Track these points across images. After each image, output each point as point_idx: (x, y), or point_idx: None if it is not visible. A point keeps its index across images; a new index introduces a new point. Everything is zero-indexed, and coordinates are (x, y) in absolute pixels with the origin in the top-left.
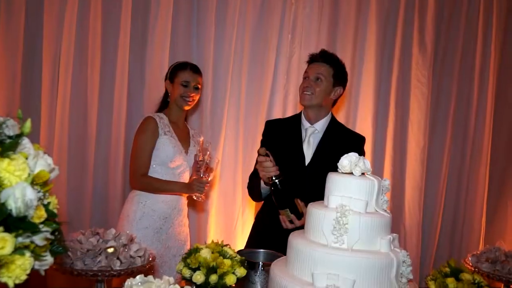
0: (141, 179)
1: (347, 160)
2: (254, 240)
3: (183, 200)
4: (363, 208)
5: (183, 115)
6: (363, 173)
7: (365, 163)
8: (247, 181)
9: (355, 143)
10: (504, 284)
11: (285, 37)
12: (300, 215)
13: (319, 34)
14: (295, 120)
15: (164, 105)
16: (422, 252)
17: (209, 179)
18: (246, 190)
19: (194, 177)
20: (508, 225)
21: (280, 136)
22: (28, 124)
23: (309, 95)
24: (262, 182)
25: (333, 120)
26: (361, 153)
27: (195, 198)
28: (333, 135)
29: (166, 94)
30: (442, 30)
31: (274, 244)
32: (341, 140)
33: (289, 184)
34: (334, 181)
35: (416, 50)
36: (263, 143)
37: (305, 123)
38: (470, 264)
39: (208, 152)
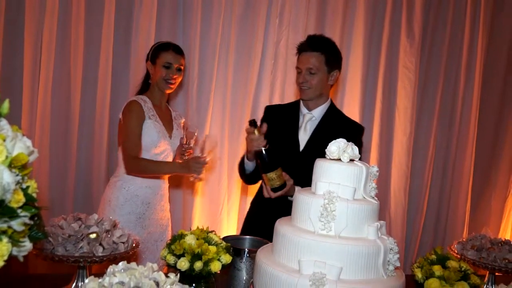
0: (136, 162)
1: (335, 146)
2: (249, 227)
3: (165, 184)
4: (351, 195)
5: (166, 97)
6: (351, 160)
7: (354, 149)
8: (233, 166)
9: (353, 132)
10: (489, 271)
11: (273, 22)
12: (283, 185)
13: (307, 19)
14: (294, 106)
15: (145, 87)
16: (406, 239)
17: (207, 160)
18: (232, 176)
19: (191, 157)
20: (492, 213)
21: (278, 121)
22: (6, 104)
23: (307, 90)
24: (245, 157)
25: (332, 107)
26: (359, 143)
27: (191, 179)
28: (330, 122)
29: (147, 76)
30: (430, 17)
31: (269, 232)
32: (338, 128)
33: (275, 153)
34: (321, 167)
35: (404, 37)
36: None
37: (303, 110)
38: (456, 252)
39: (194, 137)
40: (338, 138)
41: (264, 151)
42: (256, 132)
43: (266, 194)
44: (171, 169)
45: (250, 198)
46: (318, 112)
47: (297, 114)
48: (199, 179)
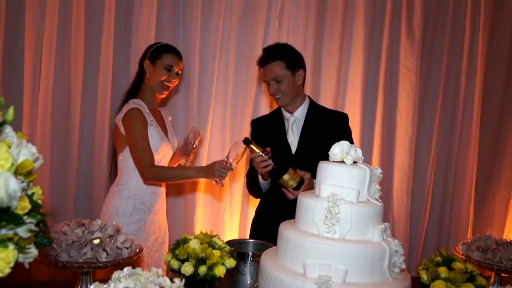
0: (152, 170)
1: (339, 149)
2: (255, 234)
3: (164, 188)
4: (355, 197)
5: (159, 100)
6: (354, 162)
7: (357, 151)
8: (234, 169)
9: (339, 122)
10: (495, 272)
11: (272, 24)
12: (301, 181)
13: (306, 22)
14: (277, 114)
15: (136, 89)
16: (410, 240)
17: (234, 165)
18: (234, 178)
19: (216, 161)
20: (495, 214)
21: (266, 131)
22: (10, 111)
23: (280, 97)
24: (260, 177)
25: (312, 104)
26: (347, 130)
27: (214, 183)
28: (314, 119)
29: (139, 76)
30: (430, 17)
31: (274, 236)
32: (324, 123)
33: (279, 156)
34: (325, 170)
35: (404, 38)
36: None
37: (285, 114)
38: (461, 253)
39: (199, 137)
40: (328, 132)
41: (271, 164)
42: (253, 147)
43: (291, 196)
44: (194, 174)
45: (252, 201)
46: (300, 112)
47: (282, 120)
48: (221, 184)
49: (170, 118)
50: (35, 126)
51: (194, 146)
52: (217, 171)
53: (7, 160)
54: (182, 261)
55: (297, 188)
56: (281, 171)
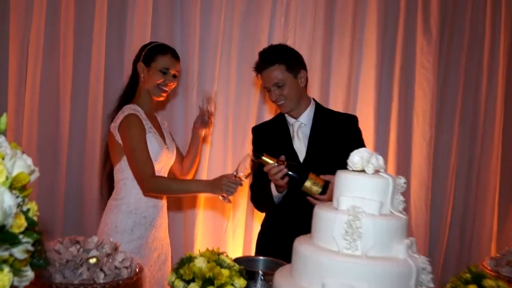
0: (153, 181)
1: (358, 157)
2: (262, 249)
3: (165, 201)
4: (377, 210)
5: (155, 104)
6: (376, 171)
7: (378, 159)
8: None
9: (348, 125)
10: None
11: (278, 21)
12: (326, 185)
13: (314, 18)
14: (280, 119)
15: (130, 94)
16: (429, 253)
17: (244, 180)
18: (238, 191)
19: (224, 175)
20: None
21: (268, 139)
22: (3, 119)
23: (284, 103)
24: (274, 190)
25: (318, 108)
26: (358, 133)
27: (221, 199)
28: (322, 123)
29: (133, 79)
30: (448, 13)
31: (283, 252)
32: (332, 126)
33: (294, 163)
34: (344, 180)
35: (420, 35)
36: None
37: (289, 119)
38: (489, 268)
39: (212, 102)
40: (337, 135)
41: (289, 173)
42: (266, 159)
43: (318, 203)
44: (200, 188)
45: (257, 214)
46: (306, 117)
47: (286, 126)
48: (228, 200)
49: (166, 124)
50: (20, 134)
51: (212, 111)
52: (226, 186)
53: (1, 173)
54: (188, 282)
55: (322, 192)
56: (302, 179)
